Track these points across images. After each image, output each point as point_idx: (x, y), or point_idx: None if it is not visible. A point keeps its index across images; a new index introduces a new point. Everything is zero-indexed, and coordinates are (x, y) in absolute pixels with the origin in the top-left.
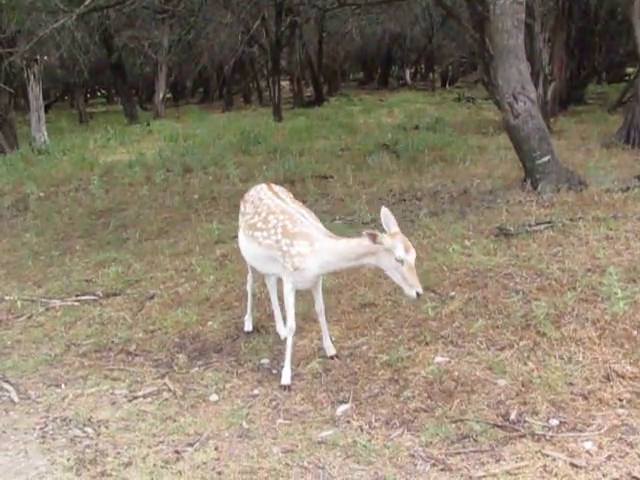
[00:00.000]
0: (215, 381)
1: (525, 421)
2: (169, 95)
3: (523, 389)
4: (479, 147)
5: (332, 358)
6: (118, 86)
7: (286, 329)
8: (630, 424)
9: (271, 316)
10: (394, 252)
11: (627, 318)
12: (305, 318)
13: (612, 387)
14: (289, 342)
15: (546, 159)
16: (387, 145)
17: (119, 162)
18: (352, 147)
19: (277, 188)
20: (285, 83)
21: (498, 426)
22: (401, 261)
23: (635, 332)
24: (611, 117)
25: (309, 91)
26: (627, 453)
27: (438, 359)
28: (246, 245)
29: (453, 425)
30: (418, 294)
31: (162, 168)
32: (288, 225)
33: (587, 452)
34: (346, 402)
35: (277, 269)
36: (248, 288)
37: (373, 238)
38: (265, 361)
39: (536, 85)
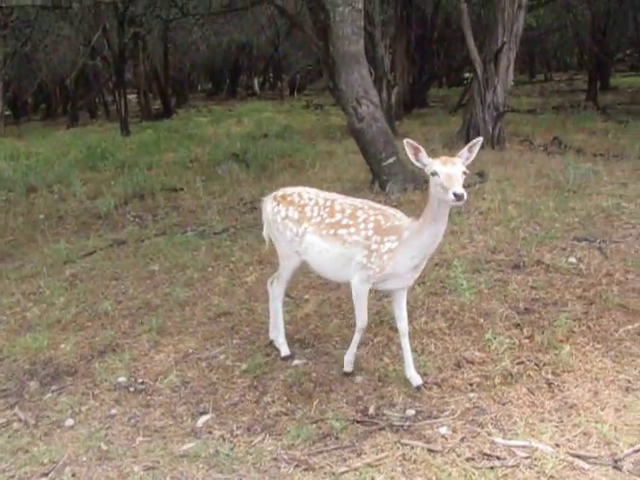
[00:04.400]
0: (70, 405)
1: (383, 414)
2: (8, 112)
3: (380, 384)
4: (328, 152)
5: (418, 389)
6: None
7: (357, 327)
8: (480, 406)
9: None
10: (431, 168)
11: (473, 307)
12: (160, 332)
13: (463, 373)
14: (357, 338)
15: (392, 160)
16: (237, 154)
17: None
18: (201, 158)
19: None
20: (132, 96)
21: (358, 421)
22: (435, 173)
23: (481, 320)
24: (452, 118)
25: (157, 104)
26: (478, 433)
27: (296, 362)
28: (327, 247)
29: (314, 425)
30: (455, 194)
31: (3, 189)
32: (381, 220)
33: (442, 437)
34: (206, 413)
35: (348, 274)
36: (278, 305)
37: (415, 152)
38: (122, 379)
39: (380, 90)
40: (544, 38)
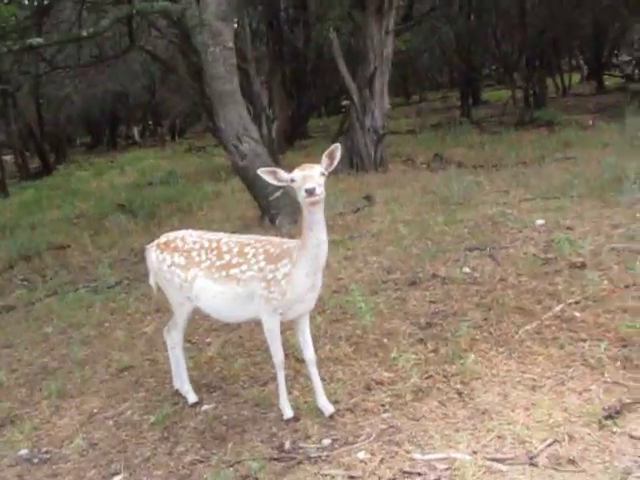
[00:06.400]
0: None
1: (300, 447)
2: None
3: (292, 417)
4: (214, 193)
5: (331, 417)
6: None
7: (276, 364)
8: (395, 425)
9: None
10: (290, 177)
11: (376, 328)
12: (61, 396)
13: (374, 395)
14: (280, 376)
15: (278, 194)
16: (123, 205)
17: None
18: (87, 212)
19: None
20: (8, 157)
21: (275, 459)
22: (293, 180)
23: (385, 340)
24: None
25: (36, 162)
26: (396, 452)
27: (205, 407)
28: (221, 289)
29: (231, 469)
30: (306, 190)
31: None
32: (270, 249)
33: (361, 461)
34: (118, 473)
35: (254, 310)
36: (178, 352)
37: (274, 176)
38: (24, 452)
39: (260, 125)
40: (414, 60)
